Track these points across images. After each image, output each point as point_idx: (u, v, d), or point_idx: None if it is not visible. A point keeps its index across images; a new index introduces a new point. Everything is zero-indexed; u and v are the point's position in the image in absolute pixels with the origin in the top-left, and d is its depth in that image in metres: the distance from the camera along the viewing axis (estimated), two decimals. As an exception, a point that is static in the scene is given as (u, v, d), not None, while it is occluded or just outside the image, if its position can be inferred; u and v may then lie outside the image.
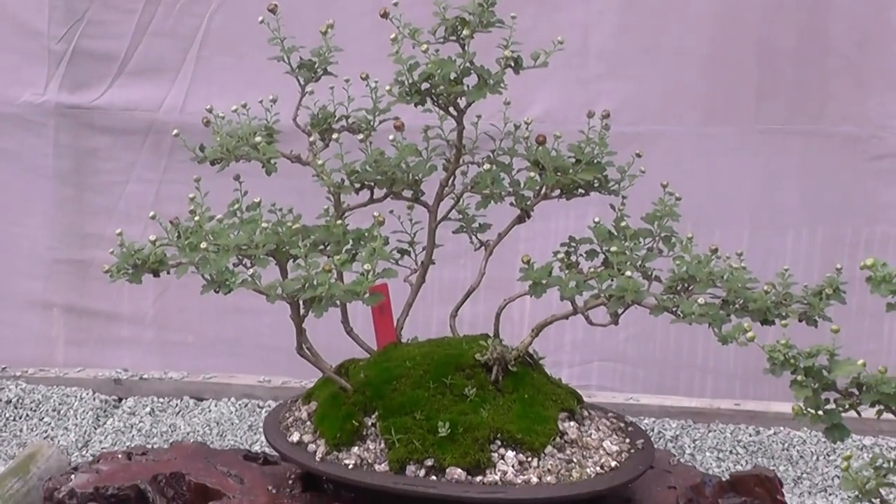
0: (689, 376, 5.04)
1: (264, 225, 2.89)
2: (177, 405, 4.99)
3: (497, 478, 2.83)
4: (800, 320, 2.90)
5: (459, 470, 2.83)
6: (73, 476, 3.22)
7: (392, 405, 2.94)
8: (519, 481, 2.83)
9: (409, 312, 3.25)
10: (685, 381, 5.04)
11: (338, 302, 2.78)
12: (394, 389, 2.97)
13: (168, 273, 2.89)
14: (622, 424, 3.17)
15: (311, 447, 2.99)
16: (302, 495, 3.06)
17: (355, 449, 2.92)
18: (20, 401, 5.03)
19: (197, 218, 2.88)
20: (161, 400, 5.04)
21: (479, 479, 2.83)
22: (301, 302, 2.82)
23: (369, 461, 2.90)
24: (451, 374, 2.97)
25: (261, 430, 4.62)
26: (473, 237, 3.30)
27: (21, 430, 4.84)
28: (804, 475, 4.44)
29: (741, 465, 4.45)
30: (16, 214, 5.37)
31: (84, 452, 4.61)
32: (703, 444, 4.60)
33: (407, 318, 3.26)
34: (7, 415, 4.95)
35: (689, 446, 4.58)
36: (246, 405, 4.95)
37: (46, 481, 3.27)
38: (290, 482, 3.11)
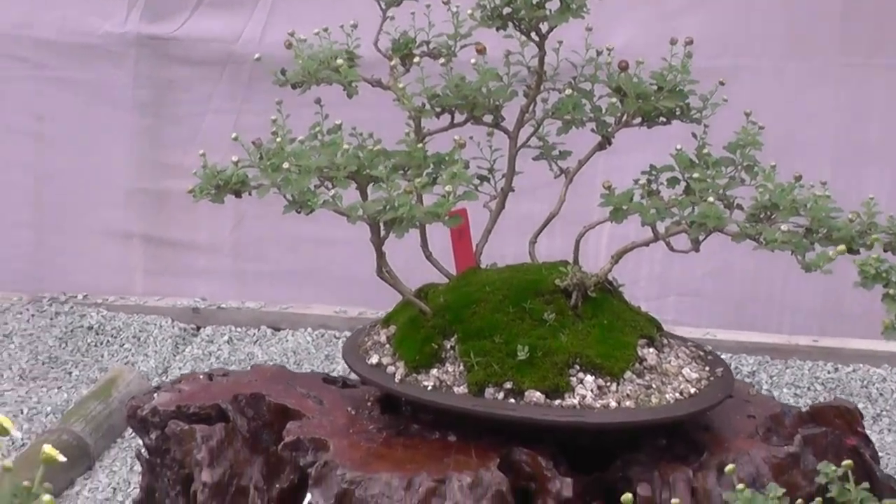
0: (766, 312, 5.02)
1: (345, 147, 2.90)
2: (254, 334, 5.04)
3: (576, 402, 2.84)
4: (885, 250, 2.86)
5: (538, 393, 2.83)
6: (155, 395, 3.27)
7: (471, 329, 2.95)
8: (598, 406, 2.84)
9: (488, 239, 3.25)
10: (762, 317, 5.02)
11: (417, 224, 2.78)
12: (473, 313, 2.98)
13: (250, 194, 2.90)
14: (701, 353, 3.16)
15: (390, 369, 3.01)
16: (381, 417, 3.08)
17: (434, 371, 2.94)
18: (101, 327, 5.11)
19: (279, 140, 2.89)
20: (238, 329, 5.09)
21: (557, 402, 2.84)
22: (381, 224, 2.83)
23: (448, 383, 2.91)
24: (530, 299, 2.98)
25: (337, 359, 4.67)
26: (553, 164, 3.29)
27: (102, 356, 4.91)
28: (883, 413, 4.41)
29: (819, 402, 4.42)
30: (96, 145, 5.43)
31: (163, 378, 4.67)
32: (780, 381, 4.59)
33: (485, 245, 3.26)
34: (89, 341, 5.03)
35: (766, 382, 4.57)
36: (322, 335, 5.00)
37: (130, 400, 3.32)
38: (369, 405, 3.14)
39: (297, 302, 5.21)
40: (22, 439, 4.15)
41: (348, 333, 4.89)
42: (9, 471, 1.39)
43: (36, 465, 1.43)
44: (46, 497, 1.36)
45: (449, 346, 2.96)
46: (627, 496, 2.23)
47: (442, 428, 2.96)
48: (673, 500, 2.61)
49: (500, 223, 3.29)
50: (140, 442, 3.46)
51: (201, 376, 3.39)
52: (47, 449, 1.40)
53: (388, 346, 3.08)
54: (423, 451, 2.89)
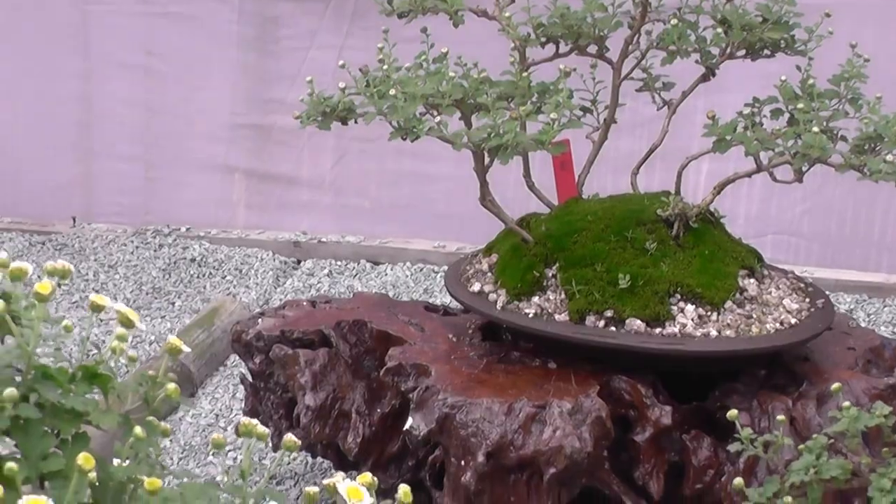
0: (864, 252, 4.98)
1: (451, 75, 2.92)
2: (353, 268, 5.09)
3: (676, 330, 2.85)
4: None
5: (639, 321, 2.86)
6: (259, 320, 3.33)
7: (573, 257, 2.97)
8: (698, 334, 2.85)
9: (590, 170, 3.27)
10: (860, 256, 4.98)
11: (521, 151, 2.80)
12: (575, 242, 3.00)
13: (356, 122, 2.93)
14: (802, 285, 3.16)
15: (492, 297, 3.04)
16: (482, 344, 3.11)
17: (535, 299, 2.97)
18: (203, 259, 5.20)
19: (385, 67, 2.92)
20: (338, 262, 5.15)
21: (658, 331, 2.86)
22: (486, 151, 2.86)
23: (549, 311, 2.94)
24: (631, 229, 3.00)
25: (436, 293, 4.71)
26: (656, 96, 3.29)
27: (205, 287, 5.00)
28: (981, 350, 4.37)
29: (918, 340, 4.40)
30: (200, 80, 5.49)
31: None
32: (877, 319, 4.56)
33: (586, 178, 3.28)
34: (192, 272, 5.11)
35: (863, 320, 4.54)
36: (421, 269, 5.04)
37: (234, 325, 3.39)
38: (470, 332, 3.17)
39: (397, 236, 5.25)
40: (126, 366, 4.24)
41: (446, 268, 4.95)
42: (134, 361, 1.45)
43: (138, 392, 1.48)
44: (171, 385, 1.41)
45: (550, 275, 2.98)
46: (733, 412, 2.26)
47: (542, 355, 2.99)
48: (778, 417, 2.62)
49: (599, 161, 3.30)
50: (243, 368, 3.53)
51: (304, 303, 3.44)
52: (172, 339, 1.45)
53: (489, 274, 3.11)
54: (523, 377, 2.92)
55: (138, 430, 1.36)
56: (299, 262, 5.25)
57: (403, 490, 1.41)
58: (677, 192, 3.12)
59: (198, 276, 5.09)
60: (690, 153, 3.16)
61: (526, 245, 3.05)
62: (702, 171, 4.62)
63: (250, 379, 3.37)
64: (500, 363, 3.01)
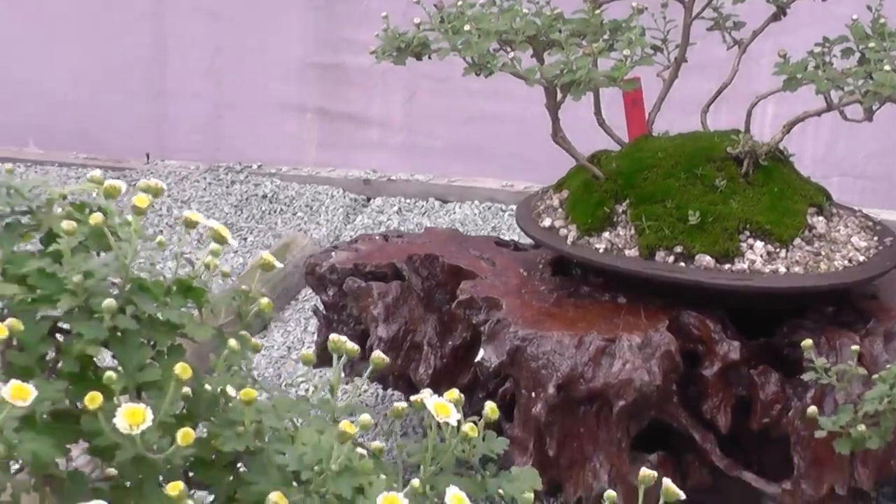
0: (932, 194, 4.96)
1: (524, 12, 2.94)
2: (422, 206, 5.13)
3: (745, 266, 2.88)
4: None
5: (708, 257, 2.88)
6: (333, 253, 3.38)
7: (643, 193, 3.00)
8: (767, 270, 2.87)
9: (661, 108, 3.28)
10: (928, 199, 4.96)
11: (593, 88, 2.82)
12: (645, 179, 3.03)
13: (429, 57, 2.96)
14: (870, 223, 3.17)
15: (563, 232, 3.07)
16: (552, 279, 3.14)
17: (606, 234, 3.00)
18: (275, 196, 5.26)
19: (459, 3, 2.95)
20: (408, 200, 5.19)
21: (727, 266, 2.88)
22: (558, 88, 2.88)
23: (619, 246, 2.97)
24: (701, 166, 3.01)
25: (504, 232, 4.74)
26: (727, 35, 3.30)
27: (276, 223, 5.06)
28: None
29: None
30: (271, 20, 5.52)
31: (335, 247, 4.80)
32: (945, 261, 4.54)
33: (657, 116, 3.29)
34: (263, 208, 5.18)
35: (931, 263, 4.52)
36: (489, 208, 5.07)
37: (308, 258, 3.44)
38: (541, 267, 3.21)
39: (465, 175, 5.28)
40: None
41: (515, 206, 4.97)
42: (227, 276, 1.50)
43: (230, 307, 1.52)
44: (264, 300, 1.46)
45: (621, 210, 3.01)
46: (808, 341, 2.28)
47: (612, 290, 3.02)
48: (851, 347, 2.64)
49: (668, 101, 3.31)
50: (315, 301, 3.59)
51: (377, 237, 3.49)
52: (265, 255, 1.50)
53: (560, 209, 3.14)
54: (593, 311, 2.96)
55: (233, 342, 1.41)
56: (369, 199, 5.29)
57: (490, 407, 1.45)
58: (746, 130, 3.13)
59: (269, 213, 5.15)
60: (758, 94, 3.17)
61: (597, 181, 3.08)
62: (767, 115, 4.61)
63: (323, 311, 3.42)
64: (569, 298, 3.05)
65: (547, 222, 3.13)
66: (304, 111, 5.57)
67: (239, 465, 1.36)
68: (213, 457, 1.35)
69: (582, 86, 2.75)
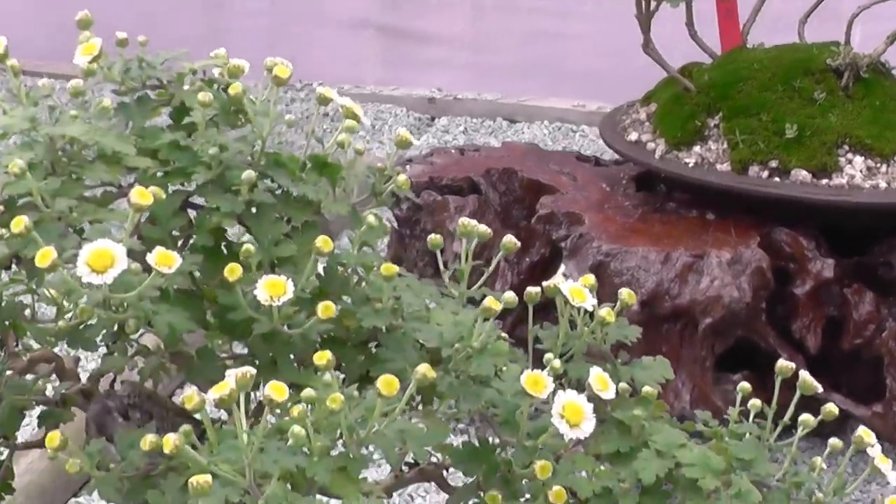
0: None
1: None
2: (489, 126, 5.05)
3: (844, 181, 2.80)
4: None
5: (805, 172, 2.80)
6: (407, 167, 3.31)
7: (737, 106, 2.91)
8: (867, 186, 2.79)
9: (755, 19, 3.19)
10: None
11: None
12: (739, 91, 2.94)
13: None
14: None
15: (650, 146, 3.00)
16: (636, 194, 3.07)
17: (696, 148, 2.92)
18: (336, 114, 5.19)
19: None
20: (474, 120, 5.10)
21: (824, 182, 2.80)
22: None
23: (710, 161, 2.89)
24: (799, 78, 2.92)
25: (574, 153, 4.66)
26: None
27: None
28: None
29: None
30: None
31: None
32: None
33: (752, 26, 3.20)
34: (325, 127, 5.11)
35: None
36: (559, 128, 4.98)
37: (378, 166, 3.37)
38: (624, 182, 3.14)
39: (535, 94, 5.18)
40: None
41: (585, 128, 4.90)
42: (361, 153, 1.44)
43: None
44: (402, 177, 1.41)
45: (713, 124, 2.93)
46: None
47: (700, 206, 2.95)
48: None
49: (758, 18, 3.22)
50: (388, 214, 3.53)
51: (453, 150, 3.42)
52: (402, 132, 1.44)
53: (647, 123, 3.07)
54: (680, 227, 2.89)
55: (371, 218, 1.35)
56: (433, 118, 5.21)
57: (627, 292, 1.39)
58: (847, 42, 3.03)
59: (330, 131, 5.08)
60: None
61: (687, 94, 3.00)
62: (855, 35, 4.50)
63: (395, 226, 3.36)
64: (655, 213, 2.98)
65: (633, 136, 3.05)
66: (366, 27, 5.50)
67: (370, 345, 1.31)
68: (346, 336, 1.30)
69: (676, -9, 2.67)
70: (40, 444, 1.36)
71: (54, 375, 1.40)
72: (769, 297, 2.75)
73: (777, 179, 2.81)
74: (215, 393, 1.03)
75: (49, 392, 1.38)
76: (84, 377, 1.41)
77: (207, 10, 5.66)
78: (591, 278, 1.35)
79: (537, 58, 5.24)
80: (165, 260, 1.12)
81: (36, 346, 1.40)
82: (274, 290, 1.17)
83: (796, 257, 2.77)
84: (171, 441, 1.02)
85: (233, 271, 1.18)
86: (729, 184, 2.84)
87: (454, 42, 5.39)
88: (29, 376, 1.36)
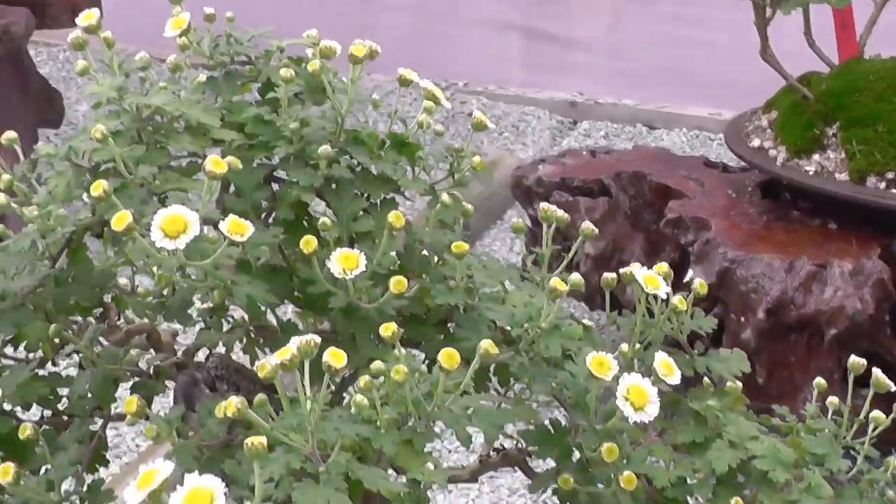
0: None
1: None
2: (629, 131, 5.04)
3: (966, 194, 2.75)
4: None
5: (923, 184, 2.77)
6: (539, 167, 3.34)
7: (854, 116, 2.90)
8: None
9: (871, 31, 3.16)
10: None
11: (803, 2, 2.72)
12: (856, 101, 2.92)
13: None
14: None
15: (772, 153, 2.99)
16: (761, 202, 3.06)
17: (815, 157, 2.91)
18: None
19: None
20: (615, 125, 5.09)
21: (944, 194, 2.77)
22: (768, 4, 2.79)
23: (829, 170, 2.88)
24: (916, 89, 2.89)
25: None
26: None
27: (482, 142, 5.02)
28: None
29: None
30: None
31: (541, 167, 4.76)
32: None
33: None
34: (469, 127, 5.15)
35: None
36: (697, 136, 4.95)
37: (515, 170, 3.40)
38: (749, 189, 3.13)
39: (673, 102, 5.16)
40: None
41: (723, 136, 4.86)
42: (441, 135, 1.46)
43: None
44: (476, 158, 1.43)
45: (831, 133, 2.92)
46: None
47: (822, 215, 2.93)
48: None
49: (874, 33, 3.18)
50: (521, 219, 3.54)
51: (584, 152, 3.44)
52: (478, 114, 1.46)
53: (769, 130, 3.06)
54: (803, 236, 2.87)
55: (445, 197, 1.38)
56: (575, 122, 5.21)
57: (699, 282, 1.39)
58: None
59: (474, 133, 5.12)
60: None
61: (806, 102, 2.99)
62: None
63: (529, 225, 3.38)
64: (779, 221, 2.97)
65: (756, 142, 3.04)
66: (508, 29, 5.52)
67: (449, 324, 1.34)
68: (425, 314, 1.32)
69: (791, 1, 2.65)
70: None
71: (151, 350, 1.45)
72: (893, 308, 2.72)
73: (894, 191, 2.78)
74: (277, 357, 1.06)
75: (143, 365, 1.42)
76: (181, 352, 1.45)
77: (357, 4, 5.72)
78: (664, 266, 1.35)
79: (675, 64, 5.22)
80: (238, 228, 1.15)
81: (138, 320, 1.45)
82: (347, 263, 1.20)
83: (917, 270, 2.74)
84: (233, 404, 1.05)
85: (308, 243, 1.21)
86: (848, 194, 2.83)
87: (594, 48, 5.39)
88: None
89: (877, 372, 1.36)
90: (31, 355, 1.39)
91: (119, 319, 1.45)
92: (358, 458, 1.11)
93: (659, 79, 5.24)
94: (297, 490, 1.04)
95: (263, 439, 0.99)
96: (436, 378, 1.14)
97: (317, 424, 1.07)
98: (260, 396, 1.11)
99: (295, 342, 1.06)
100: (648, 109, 5.11)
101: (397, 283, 1.22)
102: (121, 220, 1.14)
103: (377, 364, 1.14)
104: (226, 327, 1.37)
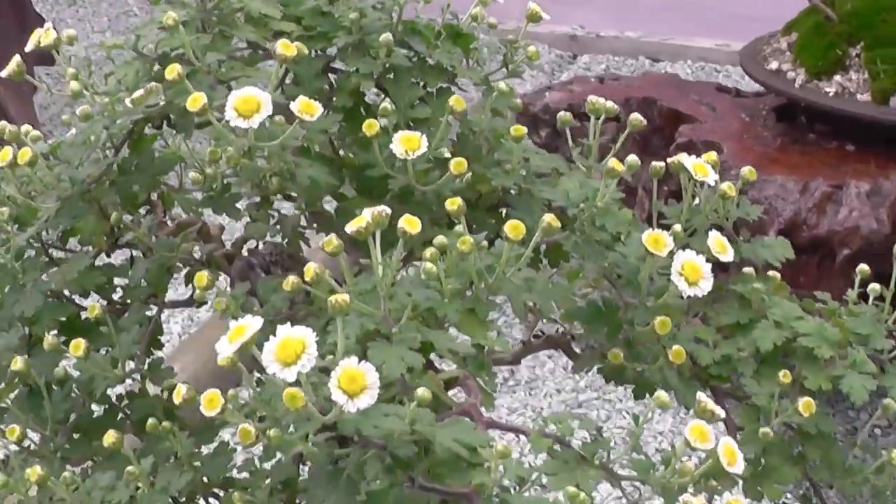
0: None
1: None
2: (632, 65, 5.03)
3: None
4: None
5: (946, 104, 2.78)
6: (546, 93, 3.35)
7: (879, 36, 2.89)
8: None
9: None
10: None
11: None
12: (882, 21, 2.91)
13: None
14: None
15: (790, 75, 2.99)
16: (776, 125, 3.07)
17: (837, 78, 2.91)
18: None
19: None
20: (616, 59, 5.08)
21: (968, 113, 2.78)
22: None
23: (850, 91, 2.88)
24: (947, 6, 2.90)
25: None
26: None
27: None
28: None
29: None
30: None
31: (540, 103, 4.76)
32: None
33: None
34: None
35: None
36: (702, 68, 4.95)
37: (521, 96, 3.42)
38: (764, 113, 3.13)
39: (679, 34, 5.12)
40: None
41: (730, 68, 4.86)
42: (493, 28, 1.49)
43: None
44: (532, 48, 1.46)
45: (854, 54, 2.91)
46: None
47: (840, 137, 2.94)
48: None
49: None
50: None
51: (592, 79, 3.45)
52: (532, 5, 1.49)
53: (788, 53, 3.06)
54: (819, 157, 2.88)
55: (502, 84, 1.41)
56: (575, 56, 5.20)
57: (749, 169, 1.42)
58: None
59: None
60: None
61: (829, 23, 2.98)
62: None
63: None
64: (794, 144, 2.97)
65: (774, 65, 3.05)
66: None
67: (501, 210, 1.37)
68: (476, 200, 1.35)
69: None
70: (186, 303, 1.44)
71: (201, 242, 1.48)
72: (909, 230, 2.75)
73: (918, 111, 2.80)
74: (352, 226, 1.09)
75: (196, 254, 1.46)
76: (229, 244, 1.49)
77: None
78: (713, 155, 1.38)
79: (679, -3, 5.18)
80: (308, 108, 1.18)
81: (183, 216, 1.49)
82: (409, 144, 1.22)
83: (936, 190, 2.76)
84: (311, 269, 1.08)
85: (371, 126, 1.24)
86: (869, 114, 2.82)
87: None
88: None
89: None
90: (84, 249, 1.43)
91: (164, 216, 1.49)
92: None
93: (665, 12, 5.21)
94: (373, 349, 1.07)
95: (346, 296, 1.02)
96: (499, 251, 1.17)
97: (388, 290, 1.10)
98: (322, 270, 1.13)
99: (368, 212, 1.10)
100: (652, 42, 5.08)
101: (457, 165, 1.25)
102: (195, 101, 1.17)
103: (440, 238, 1.17)
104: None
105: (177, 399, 1.14)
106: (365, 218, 1.09)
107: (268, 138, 1.21)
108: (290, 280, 1.16)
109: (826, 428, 1.29)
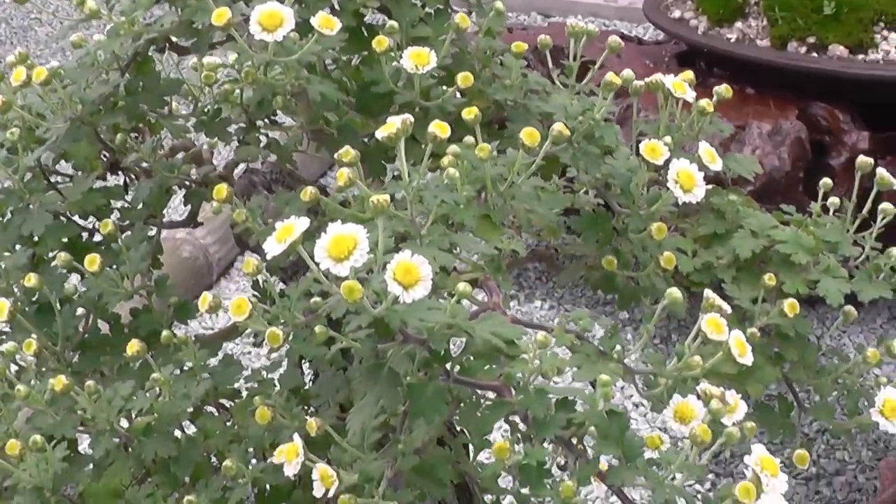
0: None
1: None
2: (524, 20, 5.07)
3: (879, 57, 2.89)
4: None
5: (842, 48, 2.89)
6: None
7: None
8: (902, 61, 2.89)
9: None
10: None
11: None
12: (780, -31, 3.02)
13: None
14: None
15: (693, 23, 3.08)
16: (678, 70, 3.15)
17: (737, 24, 3.01)
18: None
19: None
20: (508, 14, 5.09)
21: (860, 57, 2.89)
22: None
23: (751, 37, 2.98)
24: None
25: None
26: None
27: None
28: None
29: None
30: None
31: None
32: None
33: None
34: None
35: None
36: (592, 22, 4.98)
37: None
38: (666, 60, 3.23)
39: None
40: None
41: (618, 23, 4.95)
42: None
43: None
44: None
45: (753, 2, 3.01)
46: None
47: (740, 81, 3.03)
48: None
49: None
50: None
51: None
52: (499, 5, 1.53)
53: (689, 2, 3.15)
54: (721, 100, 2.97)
55: (499, 3, 1.46)
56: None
57: (687, 75, 1.49)
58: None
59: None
60: None
61: (730, -28, 3.08)
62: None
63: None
64: (697, 88, 3.05)
65: (676, 14, 3.14)
66: None
67: (495, 125, 1.42)
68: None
69: None
70: (183, 223, 1.48)
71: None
72: (806, 169, 2.86)
73: (815, 55, 2.90)
74: (383, 132, 1.13)
75: (193, 176, 1.49)
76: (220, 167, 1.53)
77: None
78: (690, 74, 1.45)
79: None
80: (328, 23, 1.22)
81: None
82: (419, 59, 1.27)
83: (832, 130, 2.87)
84: (345, 174, 1.12)
85: (380, 42, 1.29)
86: (769, 58, 2.92)
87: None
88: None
89: (881, 170, 1.48)
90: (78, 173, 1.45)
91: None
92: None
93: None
94: (406, 249, 1.12)
95: (387, 196, 1.06)
96: (512, 159, 1.23)
97: (415, 194, 1.15)
98: (354, 174, 1.16)
99: (397, 119, 1.14)
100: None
101: (464, 79, 1.30)
102: (221, 15, 1.21)
103: (453, 147, 1.22)
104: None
105: (202, 307, 1.18)
106: (395, 124, 1.13)
107: (286, 54, 1.24)
108: (308, 190, 1.20)
109: (803, 330, 1.37)
